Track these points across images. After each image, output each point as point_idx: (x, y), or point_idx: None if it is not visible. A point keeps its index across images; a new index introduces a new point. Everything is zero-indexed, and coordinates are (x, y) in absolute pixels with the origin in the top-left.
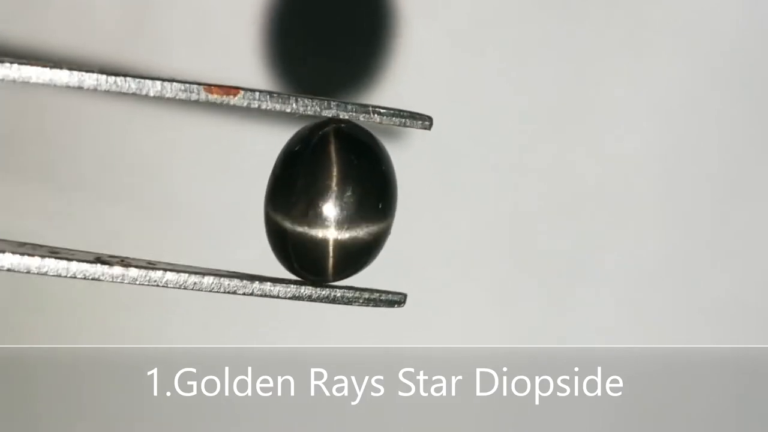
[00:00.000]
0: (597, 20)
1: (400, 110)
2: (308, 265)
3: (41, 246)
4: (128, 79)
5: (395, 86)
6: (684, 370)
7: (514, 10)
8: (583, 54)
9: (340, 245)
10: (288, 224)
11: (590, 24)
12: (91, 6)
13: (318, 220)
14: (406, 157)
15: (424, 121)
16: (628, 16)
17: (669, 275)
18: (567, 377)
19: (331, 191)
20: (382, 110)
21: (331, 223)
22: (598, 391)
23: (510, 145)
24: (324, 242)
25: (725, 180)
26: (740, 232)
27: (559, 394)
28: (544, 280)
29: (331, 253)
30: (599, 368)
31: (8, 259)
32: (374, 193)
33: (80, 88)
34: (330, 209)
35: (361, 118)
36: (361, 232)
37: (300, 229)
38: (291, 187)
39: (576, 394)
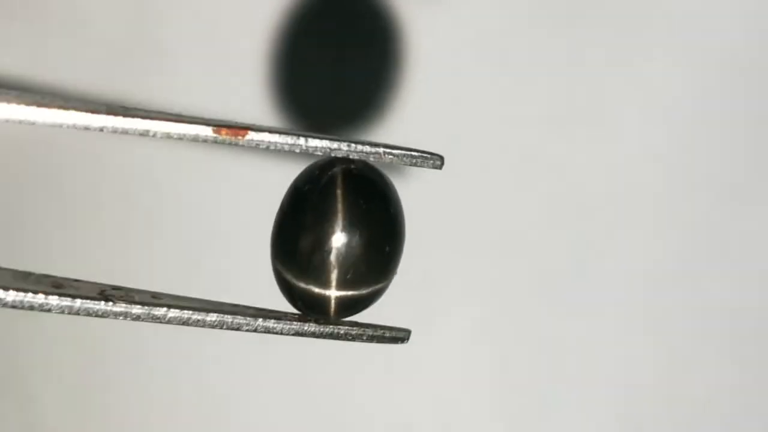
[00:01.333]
0: (600, 27)
1: (411, 151)
2: (312, 310)
3: (46, 277)
4: (136, 119)
5: (405, 97)
6: (686, 373)
7: (518, 16)
8: (585, 60)
9: (342, 299)
10: (291, 277)
11: (593, 31)
12: (95, 16)
13: (321, 273)
14: (414, 177)
15: (435, 161)
16: (631, 23)
17: (671, 278)
18: (569, 379)
19: (336, 240)
20: (393, 150)
21: (333, 277)
22: (600, 396)
23: (512, 151)
24: (326, 297)
25: (728, 184)
26: (743, 236)
27: (564, 398)
28: (547, 286)
29: (332, 306)
30: (601, 373)
31: (12, 296)
32: (382, 238)
33: (87, 129)
34: (333, 261)
35: (372, 158)
36: (364, 284)
37: (303, 283)
38: (296, 233)
39: (578, 400)
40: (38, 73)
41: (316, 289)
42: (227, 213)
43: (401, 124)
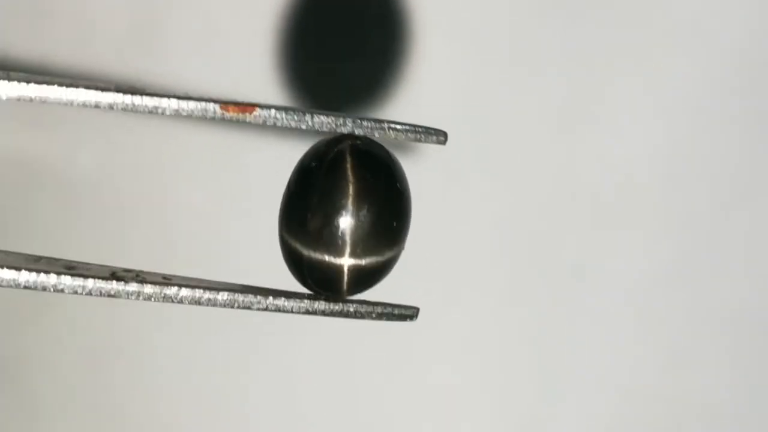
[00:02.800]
0: (602, 27)
1: (416, 126)
2: (322, 284)
3: (56, 260)
4: (144, 97)
5: (411, 92)
6: (687, 373)
7: (521, 18)
8: (588, 60)
9: (354, 268)
10: (302, 248)
11: (596, 30)
12: (99, 16)
13: (332, 244)
14: (418, 168)
15: (439, 136)
16: (634, 23)
17: (676, 281)
18: (572, 381)
19: (346, 213)
20: (397, 126)
21: (345, 247)
22: (602, 397)
23: (516, 151)
24: (338, 266)
25: (731, 185)
26: (745, 237)
27: (567, 399)
28: (549, 285)
29: (345, 276)
30: (604, 374)
31: (24, 277)
32: (389, 212)
33: (97, 106)
34: (344, 233)
35: (377, 134)
36: (375, 254)
37: (314, 253)
38: (305, 208)
39: (580, 401)
40: (43, 66)
41: (329, 261)
42: (234, 193)
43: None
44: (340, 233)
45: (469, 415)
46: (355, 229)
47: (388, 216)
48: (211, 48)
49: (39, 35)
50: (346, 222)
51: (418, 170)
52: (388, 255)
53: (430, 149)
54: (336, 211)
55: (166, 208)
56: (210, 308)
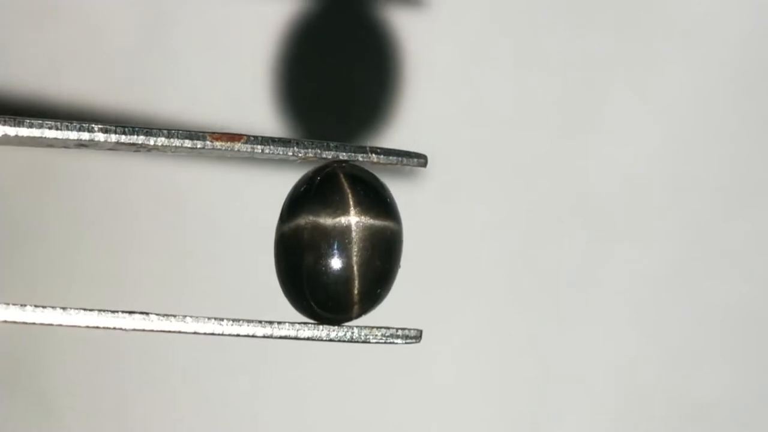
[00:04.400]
0: (604, 31)
1: (396, 150)
2: (329, 302)
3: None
4: (136, 129)
5: (412, 98)
6: (689, 374)
7: (521, 22)
8: (592, 64)
9: (361, 271)
10: (303, 263)
11: (597, 35)
12: (106, 19)
13: (336, 250)
14: (421, 174)
15: (420, 159)
16: (636, 27)
17: (678, 283)
18: (573, 383)
19: (347, 216)
20: (378, 150)
21: (350, 252)
22: (603, 398)
23: (516, 156)
24: (345, 276)
25: (732, 188)
26: (745, 240)
27: (568, 399)
28: (551, 289)
29: (355, 284)
30: (605, 376)
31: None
32: (386, 216)
33: (91, 142)
34: (348, 236)
35: (360, 158)
36: (379, 256)
37: (318, 263)
38: (302, 223)
39: (582, 400)
40: (49, 77)
41: (334, 272)
42: (228, 225)
43: (405, 129)
44: (344, 239)
45: (471, 417)
46: (359, 234)
47: (387, 228)
48: (213, 48)
49: (45, 39)
50: (348, 229)
51: (421, 174)
52: (392, 272)
53: (433, 155)
54: (336, 218)
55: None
56: (223, 305)
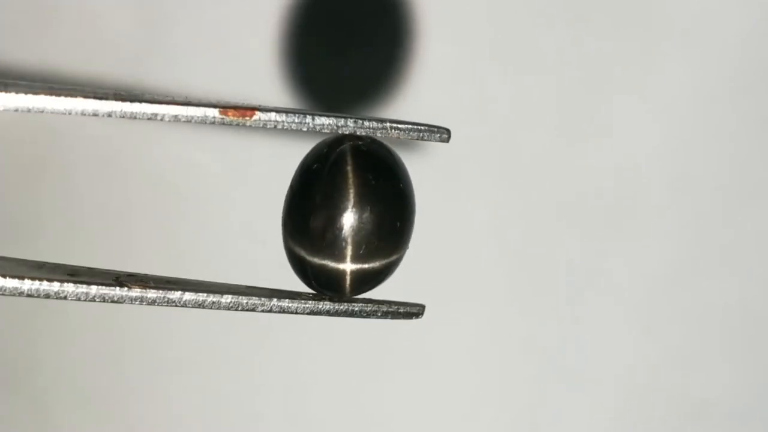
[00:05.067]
0: (606, 30)
1: (418, 124)
2: (326, 286)
3: (59, 266)
4: (143, 104)
5: (412, 96)
6: (691, 375)
7: (524, 22)
8: (590, 63)
9: (357, 271)
10: (305, 251)
11: (599, 34)
12: (103, 17)
13: (335, 247)
14: (421, 167)
15: (442, 134)
16: (635, 27)
17: (679, 281)
18: (575, 381)
19: (349, 217)
20: (399, 126)
21: (348, 251)
22: (604, 398)
23: (518, 154)
24: (341, 270)
25: (732, 188)
26: (747, 239)
27: (568, 399)
28: (553, 287)
29: (348, 279)
30: (607, 374)
31: (27, 286)
32: (393, 214)
33: (95, 115)
34: (347, 236)
35: (379, 134)
36: (378, 257)
37: (317, 258)
38: (308, 211)
39: (585, 399)
40: (46, 71)
41: (331, 265)
42: (237, 195)
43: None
44: (342, 237)
45: (472, 414)
46: (358, 232)
47: (391, 218)
48: (215, 46)
49: (43, 38)
50: (348, 225)
51: (421, 174)
52: (391, 257)
53: (432, 153)
54: (338, 214)
55: (169, 210)
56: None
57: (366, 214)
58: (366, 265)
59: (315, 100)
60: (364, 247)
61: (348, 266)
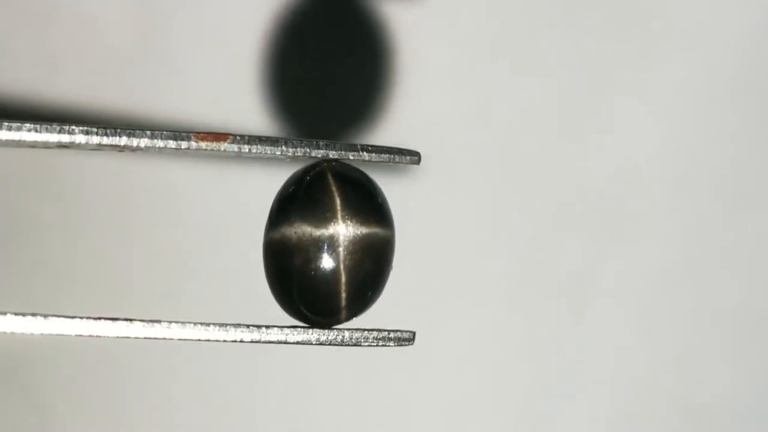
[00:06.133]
0: (606, 31)
1: (389, 147)
2: (318, 305)
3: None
4: (119, 131)
5: (412, 97)
6: (691, 376)
7: (521, 20)
8: (590, 64)
9: (349, 275)
10: (292, 266)
11: (600, 35)
12: (102, 21)
13: (325, 254)
14: (421, 167)
15: (413, 157)
16: (636, 27)
17: (679, 282)
18: (575, 383)
19: (336, 220)
20: (369, 148)
21: (339, 255)
22: (605, 398)
23: (518, 155)
24: (333, 279)
25: (732, 188)
26: (748, 239)
27: (568, 400)
28: (553, 287)
29: (343, 287)
30: (607, 376)
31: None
32: (378, 223)
33: (72, 144)
34: (336, 240)
35: (351, 157)
36: (368, 260)
37: (306, 268)
38: (291, 226)
39: (584, 400)
40: (43, 77)
41: (322, 276)
42: (219, 226)
43: (397, 129)
44: (331, 244)
45: (471, 415)
46: (347, 238)
47: (377, 228)
48: (206, 59)
49: (43, 41)
50: (337, 231)
51: (421, 174)
52: (383, 274)
53: (432, 153)
54: (325, 223)
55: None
56: (219, 305)
57: (353, 224)
58: (358, 271)
59: (303, 98)
60: (353, 253)
61: (340, 276)
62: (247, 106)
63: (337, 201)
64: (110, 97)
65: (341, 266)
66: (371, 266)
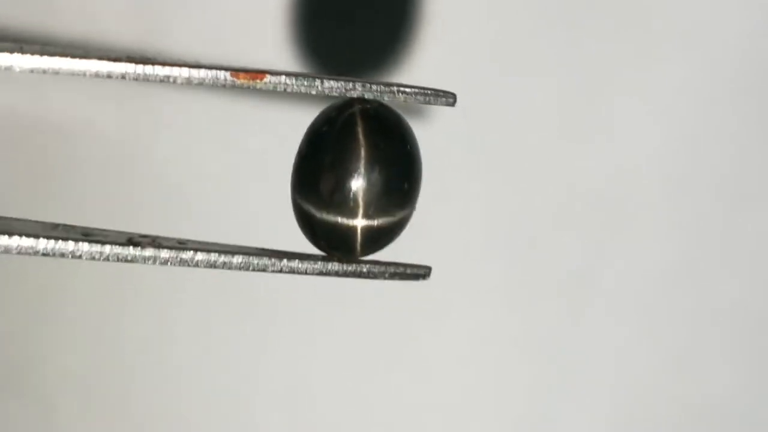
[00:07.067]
0: (606, 31)
1: (425, 88)
2: (336, 246)
3: (73, 227)
4: (156, 66)
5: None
6: (692, 376)
7: (521, 20)
8: (590, 64)
9: (366, 229)
10: (315, 210)
11: (599, 35)
12: (101, 15)
13: (345, 206)
14: (430, 137)
15: (448, 98)
16: (636, 27)
17: (679, 282)
18: (576, 382)
19: (359, 176)
20: (406, 89)
21: (358, 209)
22: (606, 398)
23: (519, 152)
24: (351, 227)
25: (732, 188)
26: (749, 239)
27: (567, 400)
28: (553, 288)
29: (358, 237)
30: (608, 375)
31: (42, 245)
32: (401, 175)
33: (109, 76)
34: (356, 194)
35: (386, 98)
36: (387, 215)
37: (327, 215)
38: (317, 171)
39: (584, 400)
40: (48, 76)
41: (342, 222)
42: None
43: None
44: (352, 195)
45: (470, 415)
46: (367, 191)
47: (400, 178)
48: (222, 16)
49: (44, 32)
50: (357, 184)
51: (430, 139)
52: (399, 215)
53: (432, 153)
54: (348, 173)
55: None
56: (222, 303)
57: (376, 174)
58: (375, 223)
59: (323, 63)
60: (374, 205)
61: (358, 223)
62: (265, 53)
63: (366, 151)
64: (110, 96)
65: (360, 219)
66: (390, 219)
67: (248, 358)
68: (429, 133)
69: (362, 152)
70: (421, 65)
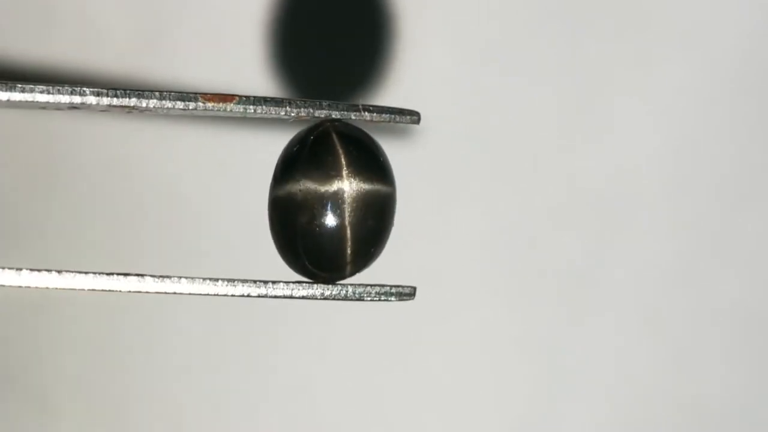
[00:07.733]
0: (606, 31)
1: (389, 107)
2: (323, 261)
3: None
4: (128, 92)
5: (411, 98)
6: (692, 376)
7: (521, 20)
8: (589, 65)
9: (354, 231)
10: (297, 223)
11: (599, 35)
12: (98, 17)
13: (330, 210)
14: (420, 166)
15: (412, 116)
16: (636, 27)
17: (679, 282)
18: (576, 382)
19: (340, 178)
20: (371, 107)
21: (343, 212)
22: (606, 398)
23: (519, 153)
24: (339, 235)
25: (732, 188)
26: (749, 239)
27: (567, 399)
28: (553, 289)
29: (348, 243)
30: (608, 375)
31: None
32: (381, 181)
33: (83, 104)
34: (341, 196)
35: (353, 116)
36: (372, 215)
37: (311, 225)
38: (296, 183)
39: (583, 400)
40: (45, 68)
41: (328, 232)
42: (222, 191)
43: (400, 127)
44: (337, 200)
45: (470, 415)
46: (352, 193)
47: (380, 185)
48: (210, 43)
49: (43, 38)
50: (342, 187)
51: (420, 174)
52: (385, 229)
53: (432, 153)
54: (331, 179)
55: (153, 205)
56: (218, 306)
57: (357, 181)
58: (365, 237)
59: (304, 61)
60: (358, 208)
61: (345, 231)
62: (245, 69)
63: (342, 159)
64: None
65: (346, 222)
66: (375, 222)
67: (248, 359)
68: (429, 133)
69: (342, 157)
70: (421, 65)
